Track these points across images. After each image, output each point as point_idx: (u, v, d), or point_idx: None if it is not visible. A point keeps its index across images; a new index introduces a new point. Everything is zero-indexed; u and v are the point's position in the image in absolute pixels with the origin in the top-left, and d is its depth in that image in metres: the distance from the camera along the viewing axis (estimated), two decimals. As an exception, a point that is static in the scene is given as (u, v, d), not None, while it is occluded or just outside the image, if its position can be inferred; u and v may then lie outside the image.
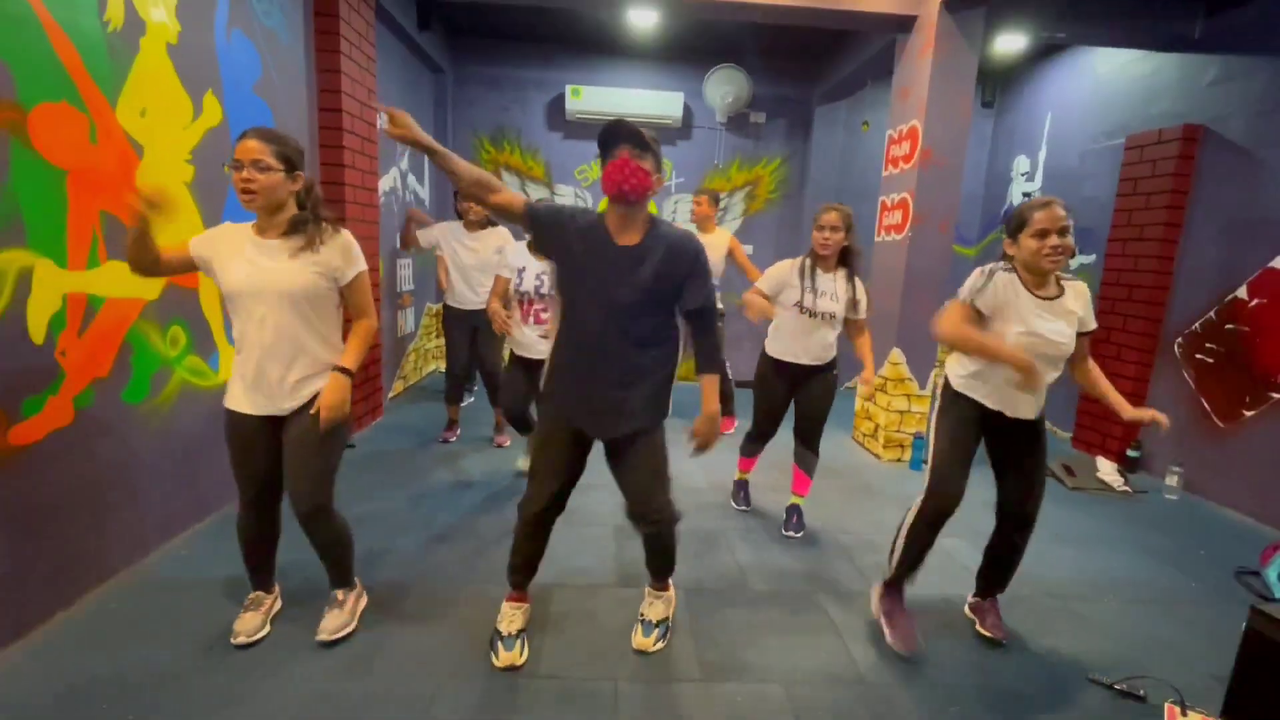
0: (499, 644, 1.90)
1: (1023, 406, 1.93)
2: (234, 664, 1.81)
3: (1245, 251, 3.44)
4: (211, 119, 2.57)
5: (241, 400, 1.80)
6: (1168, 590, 2.54)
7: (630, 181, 1.63)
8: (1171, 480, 3.60)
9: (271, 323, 1.72)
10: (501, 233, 3.88)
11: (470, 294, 3.80)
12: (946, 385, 2.06)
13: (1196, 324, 3.70)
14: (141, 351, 2.27)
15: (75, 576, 2.04)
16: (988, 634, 2.11)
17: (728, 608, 2.22)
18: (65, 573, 2.00)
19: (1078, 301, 1.90)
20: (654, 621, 2.03)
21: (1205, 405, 3.62)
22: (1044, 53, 5.09)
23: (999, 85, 5.71)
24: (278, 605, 2.06)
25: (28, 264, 1.81)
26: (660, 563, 2.04)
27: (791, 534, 2.84)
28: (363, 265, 1.85)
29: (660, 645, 1.99)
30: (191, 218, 2.49)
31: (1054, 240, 1.79)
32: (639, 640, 1.98)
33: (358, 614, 2.04)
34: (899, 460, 3.98)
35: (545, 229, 1.76)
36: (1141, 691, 1.87)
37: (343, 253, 1.79)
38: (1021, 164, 5.41)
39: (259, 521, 1.92)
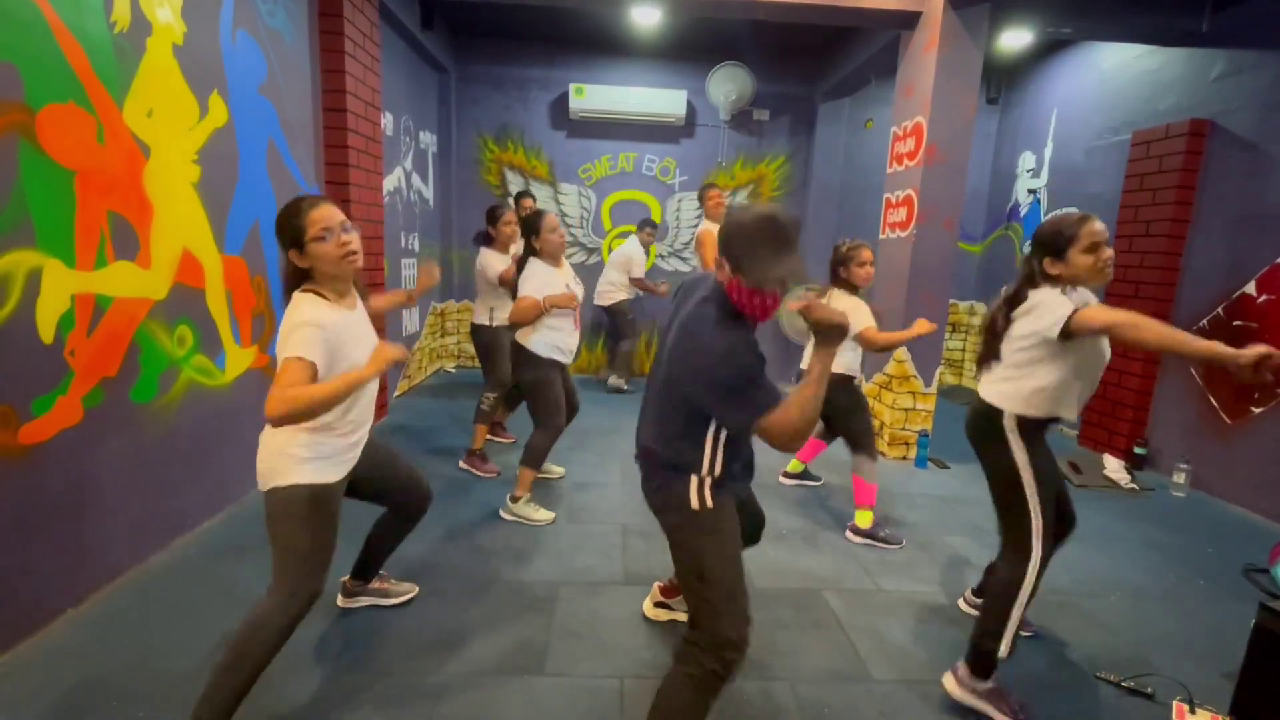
0: None
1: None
2: (242, 661, 1.82)
3: (1253, 247, 3.42)
4: (217, 120, 2.58)
5: (331, 471, 1.63)
6: (1175, 588, 2.53)
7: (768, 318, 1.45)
8: (1179, 478, 3.58)
9: (373, 389, 1.74)
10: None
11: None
12: (1023, 422, 1.80)
13: (1204, 321, 3.68)
14: (149, 351, 2.28)
15: (84, 574, 2.06)
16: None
17: (733, 605, 2.22)
18: (75, 570, 2.02)
19: None
20: None
21: (1213, 402, 3.60)
22: (1049, 48, 5.06)
23: (1004, 81, 5.69)
24: None
25: (37, 264, 1.82)
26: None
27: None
28: None
29: None
30: (197, 218, 2.50)
31: (1107, 252, 1.73)
32: None
33: None
34: (904, 458, 3.97)
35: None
36: (1149, 689, 1.86)
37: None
38: (1027, 160, 5.39)
39: (408, 518, 2.01)
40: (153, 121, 2.24)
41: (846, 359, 2.89)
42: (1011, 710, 1.79)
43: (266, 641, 1.53)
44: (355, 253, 1.59)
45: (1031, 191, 5.32)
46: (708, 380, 1.37)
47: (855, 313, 2.81)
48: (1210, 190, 3.70)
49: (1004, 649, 1.80)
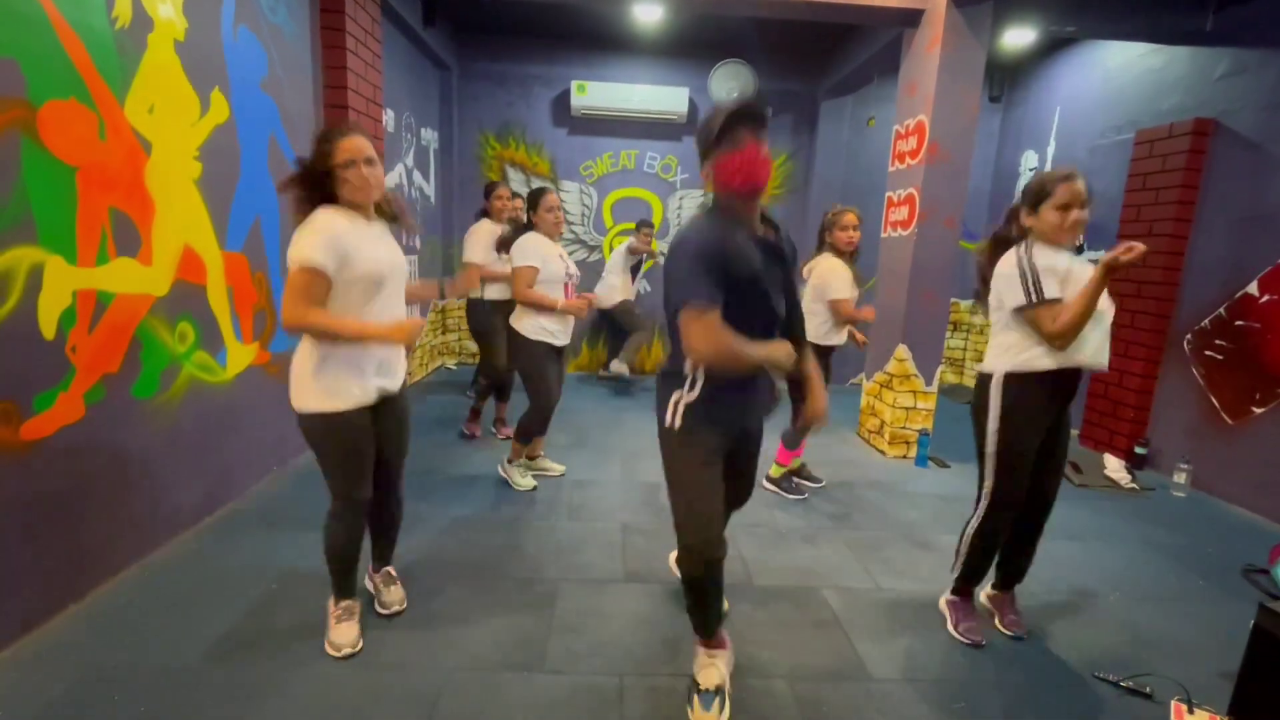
0: (696, 698, 1.69)
1: (1105, 349, 1.89)
2: (243, 657, 1.83)
3: (1256, 247, 3.41)
4: (219, 116, 2.58)
5: (358, 395, 1.75)
6: (1175, 588, 2.53)
7: (763, 173, 1.50)
8: (1180, 477, 3.58)
9: (400, 298, 1.86)
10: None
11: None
12: (1008, 381, 1.91)
13: (1206, 320, 3.68)
14: (150, 347, 2.28)
15: (86, 570, 2.07)
16: (1009, 631, 2.13)
17: (733, 603, 2.22)
18: (76, 566, 2.02)
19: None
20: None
21: (1214, 402, 3.59)
22: (1053, 46, 5.05)
23: (1007, 80, 5.67)
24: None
25: (38, 260, 1.82)
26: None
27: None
28: None
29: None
30: (198, 215, 2.51)
31: (1075, 214, 1.79)
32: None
33: None
34: (904, 457, 3.97)
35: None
36: (1148, 689, 1.86)
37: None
38: (1029, 159, 5.38)
39: (378, 510, 2.02)
40: (154, 118, 2.24)
41: (820, 329, 3.09)
42: (957, 622, 2.10)
43: (337, 542, 1.87)
44: (371, 187, 1.73)
45: (1034, 190, 5.30)
46: (670, 262, 1.53)
47: (833, 276, 3.02)
48: (1213, 190, 3.69)
49: (953, 576, 2.15)
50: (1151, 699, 1.84)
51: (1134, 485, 3.62)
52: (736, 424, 1.70)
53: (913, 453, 3.95)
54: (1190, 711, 1.74)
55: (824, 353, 3.07)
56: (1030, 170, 5.36)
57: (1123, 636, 2.17)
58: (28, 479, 1.84)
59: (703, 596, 1.72)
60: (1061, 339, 1.80)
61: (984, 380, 2.00)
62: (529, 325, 2.93)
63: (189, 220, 2.45)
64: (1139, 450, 3.96)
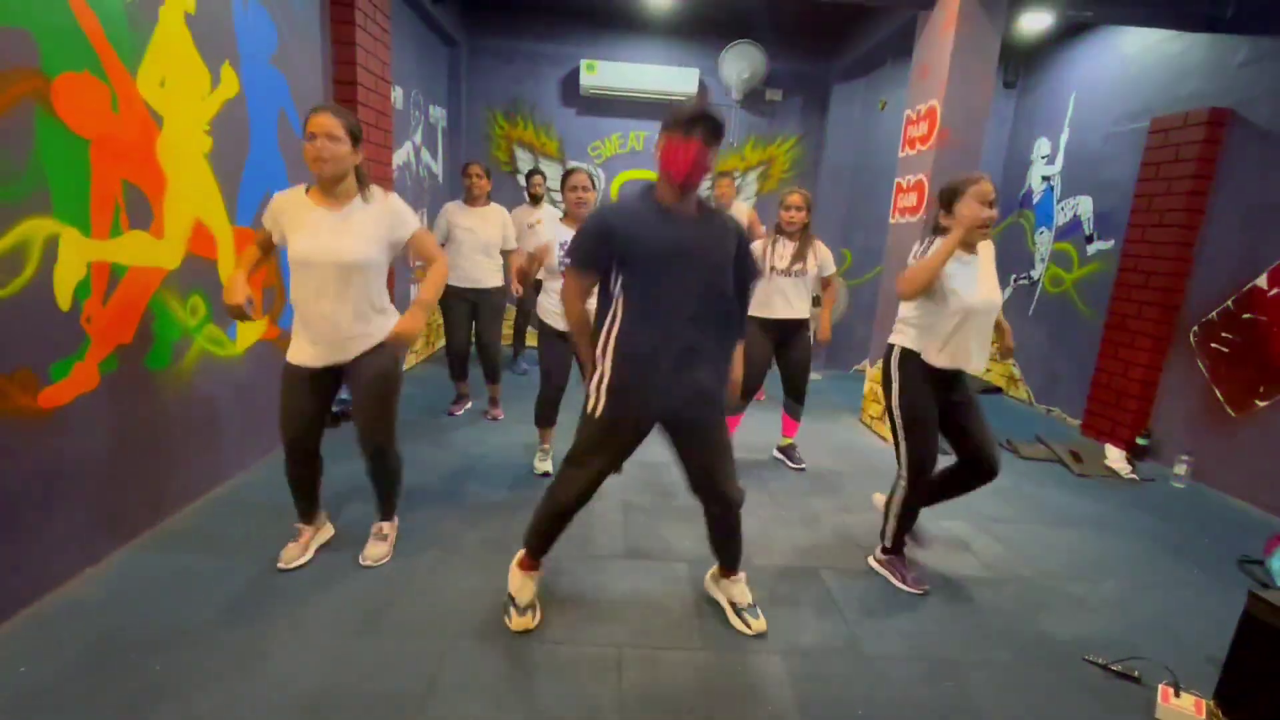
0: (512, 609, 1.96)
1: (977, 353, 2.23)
2: (255, 620, 1.89)
3: (1268, 239, 3.39)
4: (229, 90, 2.59)
5: (304, 355, 2.01)
6: (1169, 576, 2.55)
7: (697, 174, 1.64)
8: (1180, 469, 3.59)
9: (332, 289, 1.94)
10: (500, 210, 3.91)
11: (471, 272, 3.78)
12: (902, 357, 2.27)
13: (1213, 313, 3.66)
14: (163, 320, 2.32)
15: (101, 535, 2.12)
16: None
17: (731, 581, 2.26)
18: (91, 531, 2.08)
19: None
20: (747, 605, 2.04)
21: (1218, 395, 3.59)
22: (1069, 32, 4.96)
23: (1022, 65, 5.59)
24: (323, 537, 2.33)
25: (53, 232, 1.85)
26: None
27: (796, 466, 3.46)
28: (416, 223, 2.13)
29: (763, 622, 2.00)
30: (209, 189, 2.52)
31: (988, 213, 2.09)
32: (756, 625, 1.98)
33: (393, 546, 2.33)
34: (906, 443, 3.99)
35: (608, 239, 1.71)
36: (1136, 672, 1.89)
37: (394, 216, 2.04)
38: (1042, 146, 5.32)
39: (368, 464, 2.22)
40: (165, 91, 2.25)
41: (796, 303, 3.27)
42: (902, 575, 2.31)
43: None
44: (316, 160, 1.86)
45: (1045, 178, 5.26)
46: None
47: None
48: (1227, 181, 3.66)
49: (886, 540, 2.36)
50: (1139, 682, 1.87)
51: (1134, 475, 3.64)
52: (663, 396, 1.76)
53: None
54: (1177, 695, 1.78)
55: (772, 326, 3.23)
56: (1043, 157, 5.31)
57: (1115, 622, 2.20)
58: (46, 445, 1.88)
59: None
60: (900, 294, 2.12)
61: (887, 352, 2.29)
62: (540, 302, 2.98)
63: (200, 194, 2.47)
64: (1141, 441, 3.97)
